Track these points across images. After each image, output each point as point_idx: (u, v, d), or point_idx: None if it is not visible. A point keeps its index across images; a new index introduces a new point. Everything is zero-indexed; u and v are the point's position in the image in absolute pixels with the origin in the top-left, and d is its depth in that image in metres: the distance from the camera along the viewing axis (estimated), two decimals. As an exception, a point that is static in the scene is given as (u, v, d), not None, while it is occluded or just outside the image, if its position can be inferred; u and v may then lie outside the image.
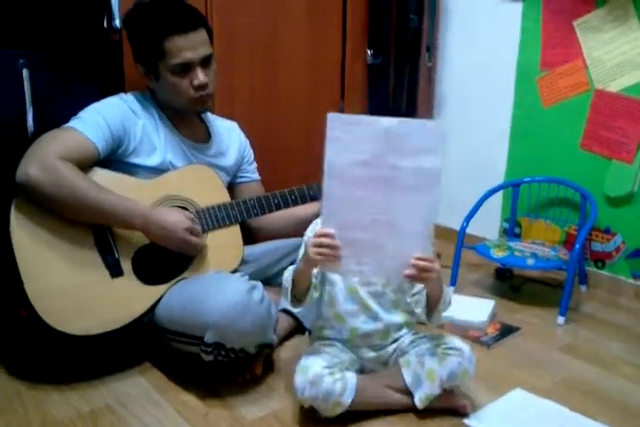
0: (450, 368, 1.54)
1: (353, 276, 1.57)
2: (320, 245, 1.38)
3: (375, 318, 1.65)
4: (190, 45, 1.76)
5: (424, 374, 1.56)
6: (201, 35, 1.80)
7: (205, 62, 1.82)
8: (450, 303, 1.59)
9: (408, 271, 1.39)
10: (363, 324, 1.65)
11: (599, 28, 2.47)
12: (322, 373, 1.50)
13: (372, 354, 1.67)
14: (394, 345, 1.67)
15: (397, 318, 1.66)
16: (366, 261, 1.41)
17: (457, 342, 1.60)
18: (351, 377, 1.54)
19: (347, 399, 1.51)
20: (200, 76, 1.80)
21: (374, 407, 1.58)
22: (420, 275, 1.40)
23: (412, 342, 1.65)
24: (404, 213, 1.36)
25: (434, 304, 1.55)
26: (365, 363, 1.67)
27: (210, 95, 1.87)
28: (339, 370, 1.53)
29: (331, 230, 1.38)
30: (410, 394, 1.59)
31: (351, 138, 1.35)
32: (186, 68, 1.79)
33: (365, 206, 1.38)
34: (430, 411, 1.61)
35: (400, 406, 1.60)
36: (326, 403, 1.49)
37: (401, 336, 1.67)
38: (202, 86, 1.82)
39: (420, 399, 1.57)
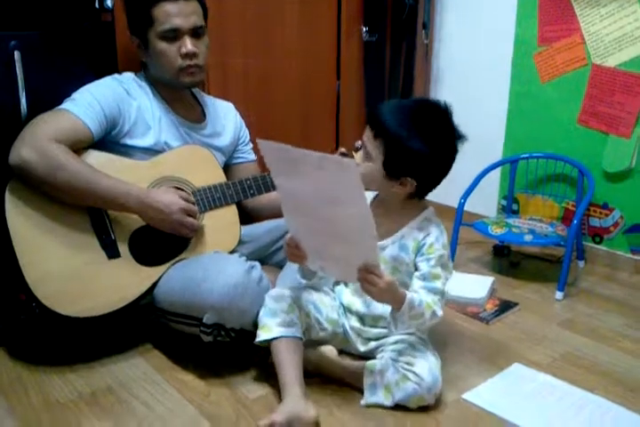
0: (405, 392, 1.51)
1: (317, 270, 1.61)
2: (287, 249, 1.54)
3: (369, 305, 1.65)
4: (179, 12, 1.77)
5: (381, 386, 1.55)
6: (192, 5, 1.80)
7: (196, 33, 1.82)
8: (424, 318, 1.50)
9: (355, 278, 1.44)
10: (359, 305, 1.67)
11: (597, 2, 2.44)
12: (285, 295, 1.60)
13: (357, 324, 1.68)
14: (382, 331, 1.65)
15: None
16: (325, 259, 1.51)
17: (423, 367, 1.51)
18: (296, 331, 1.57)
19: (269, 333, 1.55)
20: (188, 44, 1.79)
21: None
22: (363, 285, 1.43)
23: (395, 342, 1.61)
24: (341, 224, 1.38)
25: (393, 314, 1.50)
26: (347, 330, 1.69)
27: (199, 67, 1.85)
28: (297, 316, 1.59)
29: (292, 238, 1.51)
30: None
31: (279, 161, 1.40)
32: (174, 36, 1.78)
33: (310, 216, 1.43)
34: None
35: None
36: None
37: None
38: (189, 55, 1.80)
39: (367, 402, 1.56)
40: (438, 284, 1.54)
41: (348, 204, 1.31)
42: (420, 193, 1.57)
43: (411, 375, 1.50)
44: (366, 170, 1.50)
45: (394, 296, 1.46)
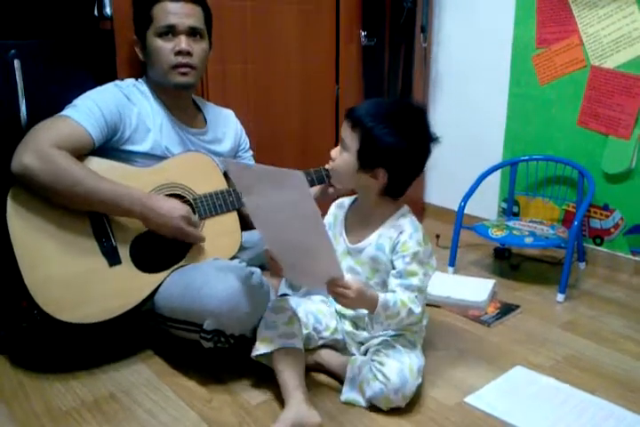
0: (373, 391, 1.53)
1: (294, 282, 1.67)
2: (268, 262, 1.57)
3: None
4: (178, 12, 1.81)
5: (357, 384, 1.58)
6: (192, 7, 1.83)
7: (192, 34, 1.84)
8: (400, 316, 1.52)
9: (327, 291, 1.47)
10: (349, 309, 1.67)
11: (594, 4, 2.45)
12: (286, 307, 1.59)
13: (350, 329, 1.69)
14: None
15: None
16: (298, 272, 1.55)
17: (392, 368, 1.52)
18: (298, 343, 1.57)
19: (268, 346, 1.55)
20: (182, 42, 1.81)
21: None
22: (334, 297, 1.47)
23: (380, 343, 1.62)
24: (304, 238, 1.41)
25: (370, 315, 1.52)
26: (344, 336, 1.70)
27: (192, 68, 1.86)
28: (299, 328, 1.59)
29: (268, 252, 1.54)
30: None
31: (245, 180, 1.45)
32: (170, 33, 1.81)
33: (277, 232, 1.48)
34: (429, 389, 1.65)
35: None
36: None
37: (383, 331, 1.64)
38: (182, 52, 1.82)
39: (346, 398, 1.59)
40: (414, 281, 1.55)
41: (303, 217, 1.35)
42: (392, 190, 1.58)
43: (379, 375, 1.52)
44: (342, 161, 1.55)
45: (367, 302, 1.49)
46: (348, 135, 1.53)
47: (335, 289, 1.44)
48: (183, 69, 1.84)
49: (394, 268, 1.58)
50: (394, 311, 1.51)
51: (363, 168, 1.53)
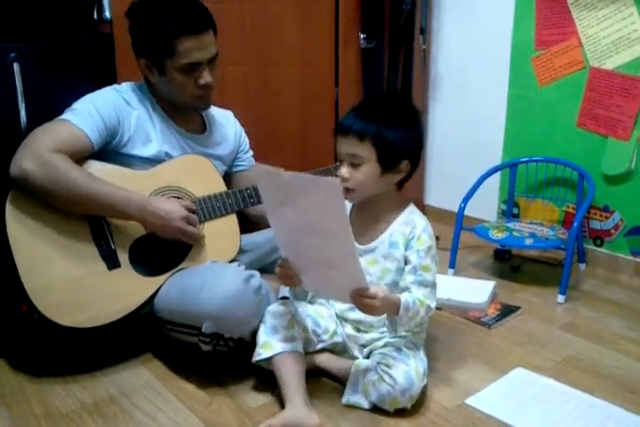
0: (379, 393, 1.52)
1: (311, 292, 1.66)
2: (279, 272, 1.54)
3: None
4: (200, 46, 1.77)
5: (361, 386, 1.57)
6: (210, 35, 1.80)
7: (211, 61, 1.82)
8: (420, 315, 1.53)
9: (349, 300, 1.45)
10: (349, 310, 1.67)
11: (593, 6, 2.45)
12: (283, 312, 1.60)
13: (352, 332, 1.69)
14: (375, 336, 1.66)
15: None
16: (319, 283, 1.54)
17: (399, 370, 1.52)
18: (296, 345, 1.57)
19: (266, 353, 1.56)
20: (206, 76, 1.81)
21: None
22: (360, 308, 1.45)
23: (385, 345, 1.62)
24: (329, 248, 1.39)
25: (390, 318, 1.52)
26: (345, 339, 1.70)
27: (212, 91, 1.88)
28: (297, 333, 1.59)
29: (285, 262, 1.52)
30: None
31: (270, 187, 1.42)
32: (193, 68, 1.79)
33: (300, 244, 1.45)
34: (430, 390, 1.64)
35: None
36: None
37: (385, 333, 1.65)
38: (207, 86, 1.83)
39: (347, 401, 1.59)
40: (428, 276, 1.56)
41: (332, 227, 1.33)
42: (407, 178, 1.61)
43: (386, 377, 1.52)
44: (363, 175, 1.52)
45: (391, 308, 1.48)
46: (358, 148, 1.50)
47: (361, 301, 1.42)
48: (207, 97, 1.87)
49: (407, 263, 1.58)
50: (415, 311, 1.51)
51: (386, 170, 1.54)
